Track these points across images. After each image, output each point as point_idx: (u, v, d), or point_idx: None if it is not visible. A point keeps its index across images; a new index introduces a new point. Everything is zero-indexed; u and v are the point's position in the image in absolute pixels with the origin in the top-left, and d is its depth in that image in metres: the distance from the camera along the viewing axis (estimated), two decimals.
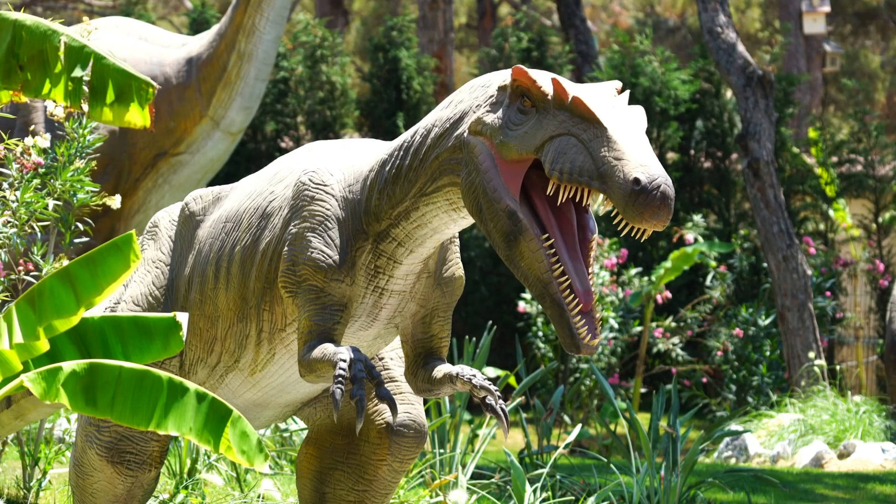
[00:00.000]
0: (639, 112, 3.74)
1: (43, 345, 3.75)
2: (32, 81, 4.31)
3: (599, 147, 3.59)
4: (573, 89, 3.71)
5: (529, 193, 3.79)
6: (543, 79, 3.76)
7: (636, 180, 3.50)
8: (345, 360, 3.89)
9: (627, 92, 3.85)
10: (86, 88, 4.32)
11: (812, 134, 15.04)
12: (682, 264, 12.34)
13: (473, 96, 3.93)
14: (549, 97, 3.72)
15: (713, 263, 12.59)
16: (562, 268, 3.71)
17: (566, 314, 3.70)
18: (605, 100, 3.72)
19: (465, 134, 3.88)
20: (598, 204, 3.65)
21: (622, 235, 3.68)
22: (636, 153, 3.56)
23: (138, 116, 4.31)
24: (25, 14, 4.34)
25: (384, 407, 4.57)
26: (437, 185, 3.97)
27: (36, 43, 4.27)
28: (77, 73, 4.22)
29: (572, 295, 3.71)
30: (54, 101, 5.62)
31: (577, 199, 3.67)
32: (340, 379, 3.86)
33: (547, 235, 3.73)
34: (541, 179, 3.78)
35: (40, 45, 4.26)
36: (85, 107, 4.39)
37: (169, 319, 3.93)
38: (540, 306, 12.02)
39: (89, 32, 5.59)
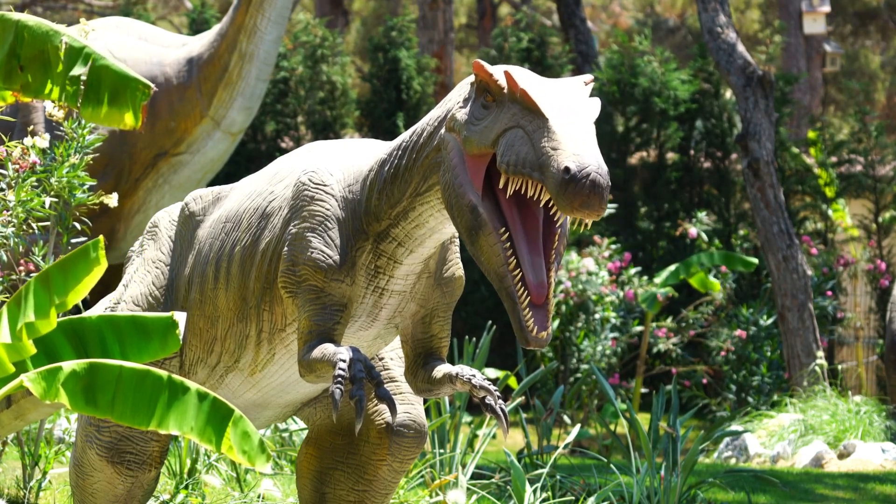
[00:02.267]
0: (592, 104, 3.72)
1: (28, 345, 3.76)
2: (33, 82, 4.31)
3: (540, 138, 3.59)
4: (525, 82, 3.70)
5: (495, 188, 3.79)
6: (499, 72, 3.76)
7: (566, 169, 3.49)
8: (344, 361, 3.89)
9: (591, 84, 3.82)
10: (82, 87, 4.32)
11: (812, 134, 15.03)
12: (689, 271, 12.34)
13: (458, 94, 3.94)
14: (505, 91, 3.72)
15: (717, 285, 12.51)
16: (516, 261, 3.72)
17: (517, 307, 3.71)
18: (558, 92, 3.70)
19: (443, 131, 3.89)
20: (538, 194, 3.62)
21: (574, 229, 3.63)
22: (572, 143, 3.54)
23: (131, 117, 4.31)
24: (28, 15, 4.33)
25: (384, 407, 4.57)
26: (429, 185, 3.97)
27: (38, 43, 4.27)
28: (74, 72, 4.22)
29: (523, 288, 3.71)
30: (53, 102, 5.63)
31: (521, 192, 3.66)
32: (340, 379, 3.86)
33: (504, 229, 3.73)
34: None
35: (42, 45, 4.26)
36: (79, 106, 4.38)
37: (166, 319, 3.93)
38: None
39: (87, 33, 5.58)
